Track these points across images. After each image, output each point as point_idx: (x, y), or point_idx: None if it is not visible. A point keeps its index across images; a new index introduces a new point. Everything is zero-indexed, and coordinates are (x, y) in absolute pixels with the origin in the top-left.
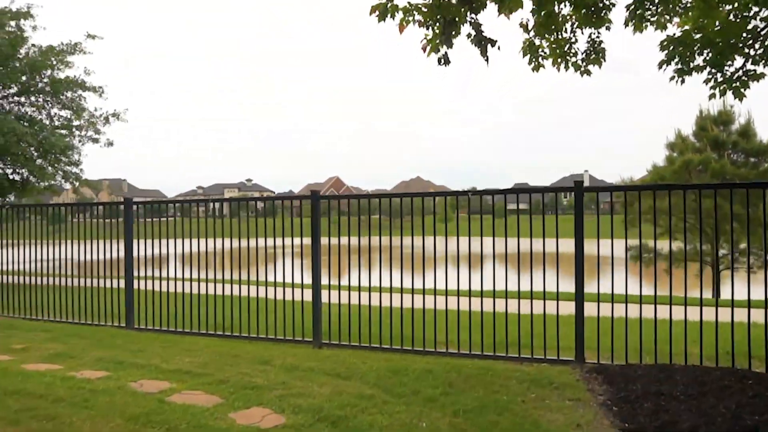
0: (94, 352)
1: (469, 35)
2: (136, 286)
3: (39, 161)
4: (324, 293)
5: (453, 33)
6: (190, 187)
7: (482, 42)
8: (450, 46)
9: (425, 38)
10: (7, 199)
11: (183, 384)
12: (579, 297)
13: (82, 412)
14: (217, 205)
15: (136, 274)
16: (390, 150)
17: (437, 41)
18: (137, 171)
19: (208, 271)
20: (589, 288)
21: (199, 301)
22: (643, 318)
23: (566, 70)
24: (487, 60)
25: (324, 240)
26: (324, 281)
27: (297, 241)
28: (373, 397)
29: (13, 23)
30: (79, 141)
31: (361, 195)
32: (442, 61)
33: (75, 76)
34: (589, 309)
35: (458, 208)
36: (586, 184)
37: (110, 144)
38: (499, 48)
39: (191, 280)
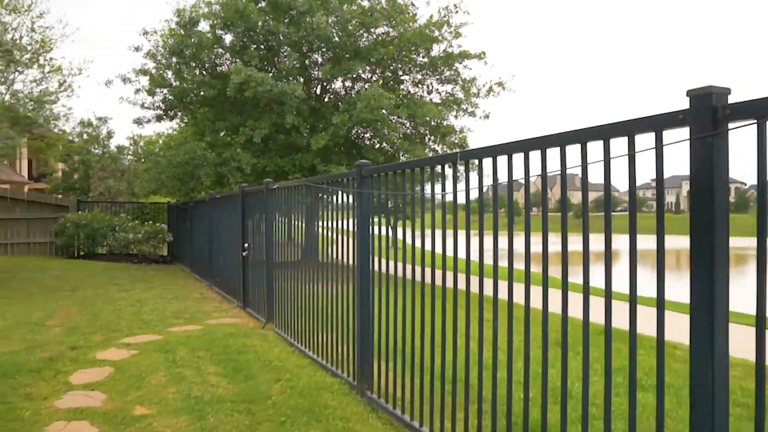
0: None
1: None
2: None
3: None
4: None
5: None
6: (642, 179)
7: None
8: None
9: None
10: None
11: None
12: None
13: None
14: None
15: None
16: None
17: None
18: None
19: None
20: None
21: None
22: None
23: None
24: None
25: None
26: None
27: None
28: None
29: (401, 1)
30: (455, 116)
31: None
32: None
33: (452, 46)
34: None
35: None
36: None
37: (486, 117)
38: None
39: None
